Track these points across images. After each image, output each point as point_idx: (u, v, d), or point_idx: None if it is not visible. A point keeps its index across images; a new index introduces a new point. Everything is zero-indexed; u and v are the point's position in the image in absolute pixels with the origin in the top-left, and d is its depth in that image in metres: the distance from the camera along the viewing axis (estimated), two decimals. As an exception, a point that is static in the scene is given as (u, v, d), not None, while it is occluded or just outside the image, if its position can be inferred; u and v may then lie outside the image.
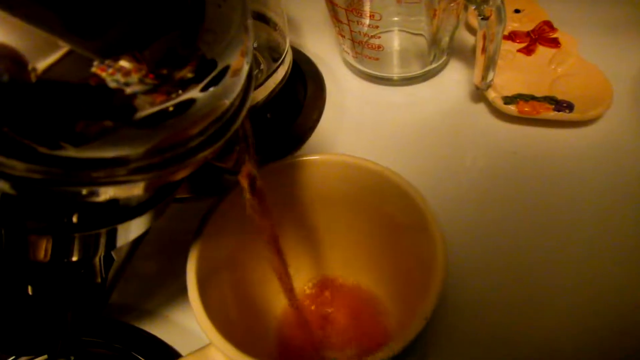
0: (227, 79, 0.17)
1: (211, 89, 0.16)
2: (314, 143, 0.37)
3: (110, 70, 0.14)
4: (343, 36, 0.39)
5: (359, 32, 0.38)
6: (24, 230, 0.18)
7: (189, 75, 0.15)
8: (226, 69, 0.17)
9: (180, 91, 0.15)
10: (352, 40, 0.39)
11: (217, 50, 0.16)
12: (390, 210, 0.24)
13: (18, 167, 0.14)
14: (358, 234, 0.27)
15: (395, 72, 0.40)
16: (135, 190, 0.17)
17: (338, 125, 0.38)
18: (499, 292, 0.29)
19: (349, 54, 0.40)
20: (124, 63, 0.14)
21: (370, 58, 0.39)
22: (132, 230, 0.21)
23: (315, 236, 0.28)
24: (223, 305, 0.24)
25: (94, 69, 0.14)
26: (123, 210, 0.19)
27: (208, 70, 0.16)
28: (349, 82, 0.41)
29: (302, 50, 0.43)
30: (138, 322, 0.30)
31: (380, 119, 0.39)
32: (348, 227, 0.27)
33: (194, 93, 0.16)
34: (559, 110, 0.36)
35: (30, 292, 0.24)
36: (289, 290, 0.25)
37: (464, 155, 0.37)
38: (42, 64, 0.13)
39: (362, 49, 0.39)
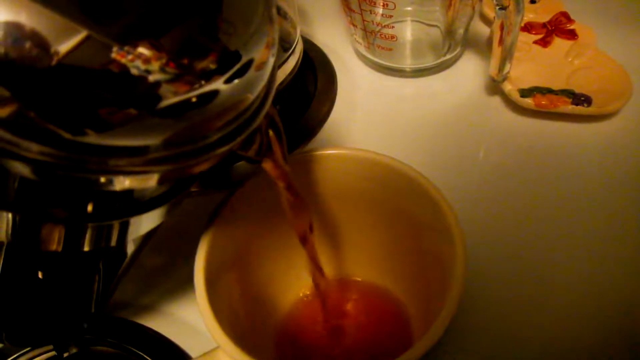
0: (252, 72, 0.16)
1: (235, 81, 0.16)
2: (325, 136, 0.36)
3: (130, 57, 0.14)
4: (355, 26, 0.38)
5: (372, 21, 0.37)
6: (41, 216, 0.18)
7: (212, 66, 0.15)
8: (250, 62, 0.16)
9: (203, 82, 0.15)
10: (365, 30, 0.38)
11: (239, 41, 0.16)
12: (410, 209, 0.23)
13: (40, 151, 0.14)
14: (375, 231, 0.26)
15: (408, 64, 0.39)
16: (151, 181, 0.16)
17: (349, 117, 0.38)
18: (513, 289, 0.29)
19: (360, 44, 0.39)
20: (142, 50, 0.14)
21: (382, 48, 0.38)
22: (144, 223, 0.20)
23: (331, 232, 0.27)
24: (230, 303, 0.23)
25: (113, 55, 0.13)
26: (137, 203, 0.19)
27: (231, 62, 0.16)
28: (360, 74, 0.40)
29: (312, 40, 0.42)
30: (142, 319, 0.30)
31: (393, 112, 0.38)
32: (366, 224, 0.26)
33: (218, 84, 0.15)
34: (576, 104, 0.35)
35: (40, 277, 0.23)
36: (318, 281, 0.25)
37: (478, 149, 0.36)
38: (64, 47, 0.13)
39: (375, 39, 0.38)
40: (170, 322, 0.30)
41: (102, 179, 0.16)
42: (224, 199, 0.23)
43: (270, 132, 0.21)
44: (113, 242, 0.20)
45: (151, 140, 0.15)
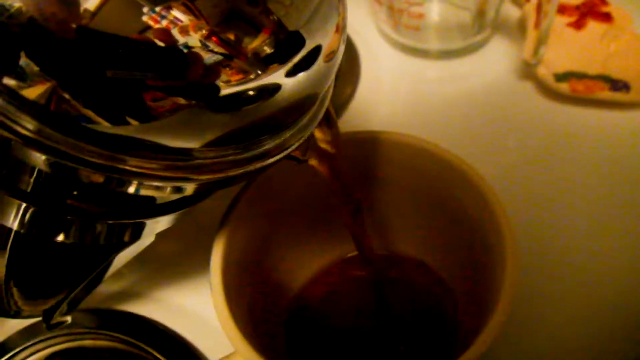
0: (320, 64, 0.13)
1: (301, 74, 0.13)
2: (348, 118, 0.34)
3: (164, 22, 0.11)
4: (380, 3, 0.36)
5: (399, -2, 0.35)
6: (59, 210, 0.16)
7: (266, 49, 0.12)
8: (317, 50, 0.13)
9: (258, 71, 0.12)
10: (391, 8, 0.36)
11: (299, 19, 0.13)
12: (457, 200, 0.22)
13: (74, 145, 0.12)
14: (418, 216, 0.25)
15: (436, 45, 0.37)
16: (188, 190, 0.14)
17: (373, 100, 0.36)
18: (544, 281, 0.27)
19: (385, 23, 0.37)
20: (177, 13, 0.11)
21: (409, 27, 0.36)
22: (161, 223, 0.19)
23: (373, 213, 0.26)
24: (248, 302, 0.21)
25: (146, 19, 0.11)
26: (158, 206, 0.17)
27: (293, 47, 0.13)
28: (385, 55, 0.38)
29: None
30: (153, 313, 0.28)
31: (418, 94, 0.36)
32: (407, 208, 0.25)
33: (278, 77, 0.12)
34: (615, 90, 0.33)
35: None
36: (368, 255, 0.24)
37: (507, 136, 0.34)
38: (92, 4, 0.11)
39: (401, 17, 0.36)
40: (182, 316, 0.28)
41: (137, 184, 0.14)
42: (240, 191, 0.21)
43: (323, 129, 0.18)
44: (126, 239, 0.18)
45: (196, 141, 0.13)
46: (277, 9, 0.12)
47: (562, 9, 0.39)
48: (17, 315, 0.22)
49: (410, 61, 0.38)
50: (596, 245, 0.28)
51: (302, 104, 0.14)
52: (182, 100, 0.12)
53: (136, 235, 0.18)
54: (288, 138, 0.15)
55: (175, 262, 0.31)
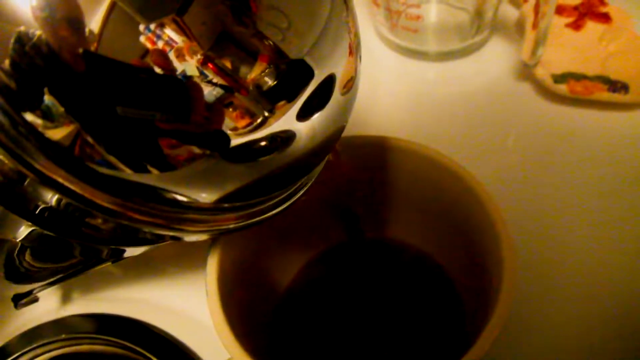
0: (338, 98, 0.12)
1: (316, 116, 0.11)
2: (346, 121, 0.34)
3: (160, 44, 0.11)
4: (378, 5, 0.36)
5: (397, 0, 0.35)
6: (72, 236, 0.16)
7: (267, 81, 0.11)
8: (330, 80, 0.11)
9: (265, 111, 0.11)
10: (388, 10, 0.36)
11: (301, 46, 0.11)
12: (453, 203, 0.22)
13: (104, 200, 0.12)
14: (416, 211, 0.25)
15: (433, 46, 0.37)
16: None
17: (371, 102, 0.36)
18: (543, 280, 0.27)
19: (383, 25, 0.37)
20: (170, 32, 0.11)
21: (407, 29, 0.36)
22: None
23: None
24: (242, 303, 0.21)
25: (143, 39, 0.11)
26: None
27: (298, 79, 0.11)
28: (382, 57, 0.38)
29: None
30: (147, 316, 0.28)
31: (416, 96, 0.36)
32: (406, 205, 0.25)
33: (290, 121, 0.11)
34: (613, 91, 0.33)
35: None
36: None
37: (506, 137, 0.34)
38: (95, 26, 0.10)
39: (399, 19, 0.36)
40: (180, 320, 0.28)
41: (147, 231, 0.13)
42: None
43: None
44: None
45: (212, 194, 0.12)
46: (272, 34, 0.11)
47: (561, 10, 0.39)
48: (24, 278, 0.22)
49: (409, 63, 0.38)
50: (596, 245, 0.28)
51: (322, 150, 0.12)
52: (196, 150, 0.11)
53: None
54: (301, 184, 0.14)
55: (172, 265, 0.30)
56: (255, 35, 0.11)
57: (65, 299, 0.30)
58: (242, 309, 0.21)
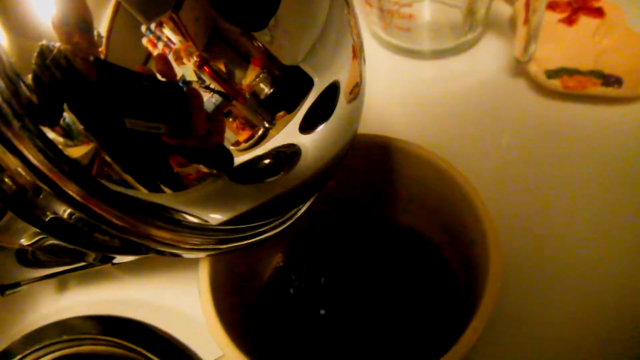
0: (343, 106, 0.11)
1: (320, 127, 0.11)
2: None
3: (161, 46, 0.11)
4: (371, 5, 0.36)
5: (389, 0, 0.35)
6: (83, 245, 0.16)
7: (263, 87, 0.11)
8: (334, 89, 0.11)
9: (265, 122, 0.11)
10: (381, 10, 0.36)
11: (295, 50, 0.10)
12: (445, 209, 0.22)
13: (105, 209, 0.12)
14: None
15: (427, 45, 0.37)
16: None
17: (366, 101, 0.36)
18: (538, 278, 0.27)
19: (377, 24, 0.38)
20: (168, 32, 0.11)
21: (400, 29, 0.36)
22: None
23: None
24: (237, 304, 0.22)
25: (145, 42, 0.11)
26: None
27: (295, 87, 0.11)
28: (377, 56, 0.38)
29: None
30: (144, 316, 0.29)
31: (411, 95, 0.36)
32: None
33: (293, 134, 0.10)
34: (607, 86, 0.33)
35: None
36: None
37: (501, 133, 0.34)
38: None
39: (392, 18, 0.36)
40: (180, 320, 0.29)
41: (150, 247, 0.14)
42: None
43: None
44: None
45: (221, 215, 0.12)
46: (260, 34, 0.10)
47: (554, 5, 0.39)
48: (34, 264, 0.22)
49: (403, 62, 0.38)
50: (592, 241, 0.28)
51: (332, 165, 0.11)
52: (204, 168, 0.11)
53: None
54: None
55: (171, 266, 0.31)
56: (244, 34, 0.10)
57: (66, 300, 0.31)
58: (232, 303, 0.21)
